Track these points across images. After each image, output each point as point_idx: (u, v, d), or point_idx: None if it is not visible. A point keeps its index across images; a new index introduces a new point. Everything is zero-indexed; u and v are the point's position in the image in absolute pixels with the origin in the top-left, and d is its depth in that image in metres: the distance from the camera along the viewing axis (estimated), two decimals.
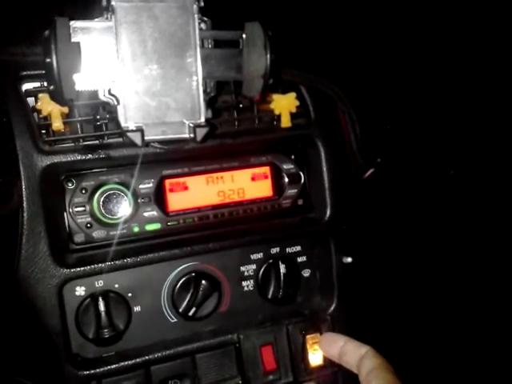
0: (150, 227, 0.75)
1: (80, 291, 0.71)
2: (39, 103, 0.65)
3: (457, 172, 1.03)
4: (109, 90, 0.57)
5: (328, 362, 0.80)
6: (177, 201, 0.76)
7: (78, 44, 0.54)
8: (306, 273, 0.85)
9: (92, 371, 0.70)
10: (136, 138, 0.57)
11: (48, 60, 0.52)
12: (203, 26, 0.59)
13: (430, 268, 1.06)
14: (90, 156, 0.68)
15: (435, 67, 0.93)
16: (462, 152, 1.03)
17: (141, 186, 0.74)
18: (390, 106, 0.91)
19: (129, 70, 0.57)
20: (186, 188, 0.76)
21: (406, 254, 1.01)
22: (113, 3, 0.55)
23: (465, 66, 0.96)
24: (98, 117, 0.69)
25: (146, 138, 0.58)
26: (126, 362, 0.72)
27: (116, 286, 0.73)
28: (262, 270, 0.81)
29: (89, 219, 0.72)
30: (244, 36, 0.61)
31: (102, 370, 0.71)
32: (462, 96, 0.99)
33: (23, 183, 0.65)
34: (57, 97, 0.54)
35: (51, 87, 0.54)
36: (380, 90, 0.90)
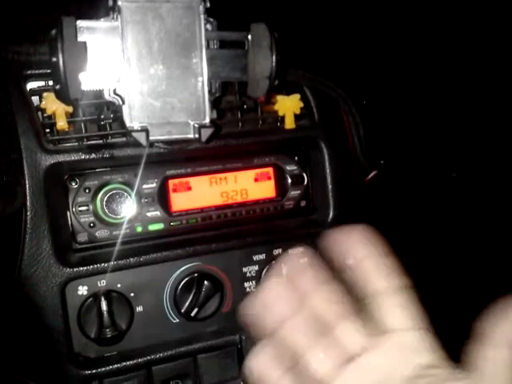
0: (153, 227, 0.75)
1: (82, 291, 0.71)
2: (44, 102, 0.65)
3: (459, 174, 1.03)
4: (114, 90, 0.57)
5: None
6: (180, 201, 0.76)
7: (84, 43, 0.54)
8: None
9: (94, 371, 0.70)
10: (141, 137, 0.57)
11: (54, 59, 0.52)
12: (209, 26, 0.59)
13: (434, 270, 1.06)
14: (93, 155, 0.68)
15: (439, 70, 0.93)
16: (465, 154, 1.03)
17: (144, 186, 0.74)
18: (394, 108, 0.92)
19: (134, 70, 0.57)
20: (189, 188, 0.76)
21: (408, 256, 1.01)
22: (119, 3, 0.55)
23: (468, 68, 0.97)
24: (102, 116, 0.68)
25: (150, 138, 0.58)
26: (128, 362, 0.72)
27: (118, 285, 0.72)
28: (265, 270, 0.81)
29: (92, 219, 0.72)
30: (250, 37, 0.61)
31: (103, 369, 0.71)
32: (465, 99, 0.99)
33: (27, 182, 0.65)
34: (62, 96, 0.54)
35: (57, 86, 0.53)
36: (384, 92, 0.90)
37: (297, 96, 0.78)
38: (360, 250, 0.42)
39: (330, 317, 0.43)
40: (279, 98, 0.77)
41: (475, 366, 0.41)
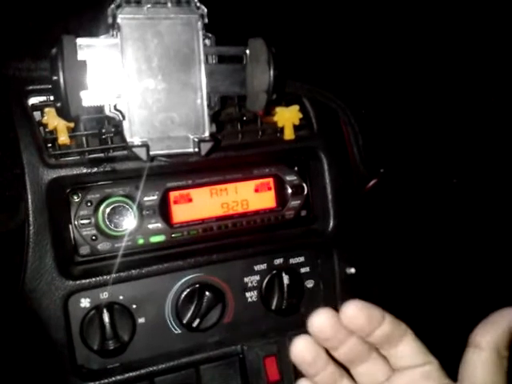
0: (155, 239, 0.76)
1: (85, 303, 0.71)
2: (45, 117, 0.66)
3: (460, 181, 1.04)
4: (114, 106, 0.58)
5: None
6: (181, 213, 0.77)
7: (84, 62, 0.55)
8: (310, 283, 0.85)
9: (97, 382, 0.71)
10: (141, 153, 0.58)
11: (55, 78, 0.52)
12: (207, 41, 0.60)
13: (435, 278, 1.06)
14: (95, 169, 0.69)
15: (437, 78, 0.93)
16: (465, 160, 1.03)
17: (145, 199, 0.75)
18: (393, 117, 0.92)
19: (134, 86, 0.58)
20: (190, 200, 0.77)
21: (409, 264, 1.02)
22: (118, 20, 0.56)
23: (467, 76, 0.97)
24: (104, 130, 0.69)
25: (151, 152, 0.59)
26: (131, 374, 0.73)
27: (121, 297, 0.73)
28: (266, 281, 0.81)
29: (94, 231, 0.72)
30: (248, 52, 0.61)
31: (106, 381, 0.71)
32: (464, 105, 0.99)
33: (29, 197, 0.66)
34: (63, 113, 0.55)
35: (58, 104, 0.54)
36: (382, 100, 0.90)
37: (296, 107, 0.78)
38: (365, 325, 0.44)
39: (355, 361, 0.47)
40: (278, 109, 0.78)
41: (460, 372, 0.43)
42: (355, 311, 0.43)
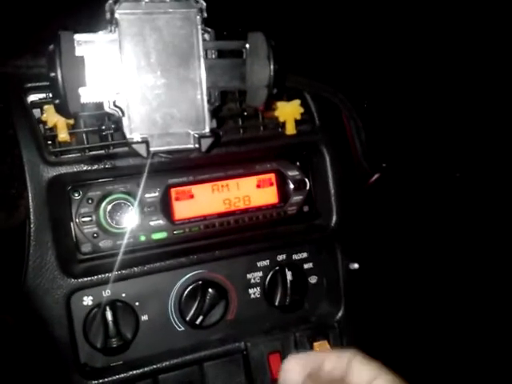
0: (157, 236, 0.75)
1: (87, 301, 0.71)
2: (45, 115, 0.65)
3: (463, 175, 1.03)
4: (114, 102, 0.57)
5: None
6: (183, 209, 0.76)
7: (82, 58, 0.54)
8: (313, 279, 0.85)
9: (100, 380, 0.71)
10: (141, 149, 0.57)
11: (53, 74, 0.52)
12: (207, 36, 0.59)
13: (438, 273, 1.05)
14: (96, 166, 0.69)
15: (440, 72, 0.92)
16: (468, 154, 1.03)
17: (147, 195, 0.74)
18: (395, 111, 0.91)
19: (133, 82, 0.57)
20: (191, 196, 0.77)
21: (412, 259, 1.01)
22: (116, 16, 0.55)
23: (469, 69, 0.96)
24: (104, 127, 0.69)
25: (151, 149, 0.58)
26: (134, 371, 0.72)
27: (123, 295, 0.73)
28: (269, 277, 0.81)
29: (95, 229, 0.72)
30: (247, 46, 0.61)
31: (110, 379, 0.71)
32: (467, 99, 0.98)
33: (30, 194, 0.66)
34: (62, 110, 0.55)
35: (56, 101, 0.54)
36: (384, 94, 0.90)
37: (297, 101, 0.78)
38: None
39: None
40: (280, 103, 0.77)
41: None
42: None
